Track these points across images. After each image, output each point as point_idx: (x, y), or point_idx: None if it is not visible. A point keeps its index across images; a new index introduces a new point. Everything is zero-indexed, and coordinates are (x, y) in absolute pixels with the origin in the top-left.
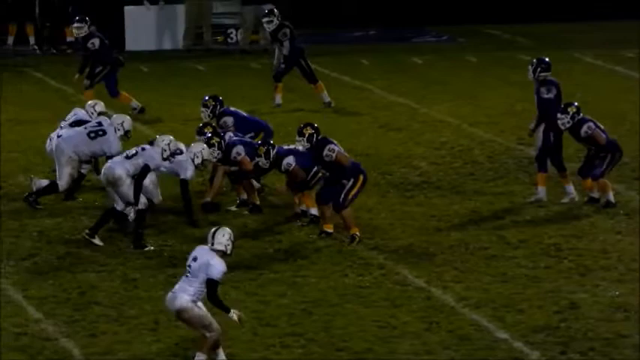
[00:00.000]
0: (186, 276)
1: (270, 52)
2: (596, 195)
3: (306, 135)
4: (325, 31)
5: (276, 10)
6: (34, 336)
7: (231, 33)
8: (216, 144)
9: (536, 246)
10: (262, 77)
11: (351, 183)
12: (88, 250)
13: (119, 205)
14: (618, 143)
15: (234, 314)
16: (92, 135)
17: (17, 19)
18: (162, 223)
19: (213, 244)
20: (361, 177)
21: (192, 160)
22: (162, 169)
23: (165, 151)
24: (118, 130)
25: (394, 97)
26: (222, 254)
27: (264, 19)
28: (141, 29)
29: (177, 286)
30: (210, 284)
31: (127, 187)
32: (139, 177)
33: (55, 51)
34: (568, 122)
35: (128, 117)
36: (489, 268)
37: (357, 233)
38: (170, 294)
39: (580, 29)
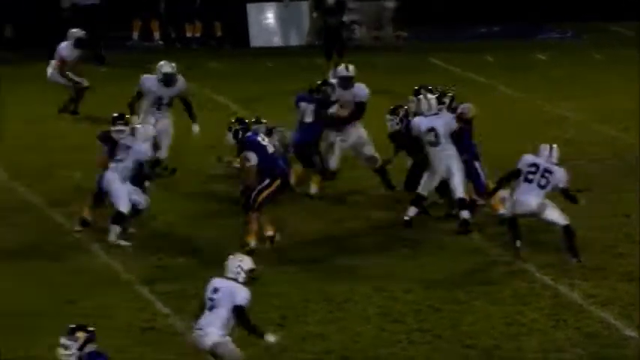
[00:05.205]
0: (210, 309)
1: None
2: None
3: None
4: (450, 27)
5: None
6: (161, 331)
7: (354, 29)
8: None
9: None
10: (384, 73)
11: (266, 183)
12: (212, 247)
13: None
14: None
15: (270, 336)
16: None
17: (142, 15)
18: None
19: (228, 273)
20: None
21: (237, 279)
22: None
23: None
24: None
25: (518, 94)
26: (236, 282)
27: None
28: (264, 26)
29: (202, 322)
30: (240, 312)
31: None
32: None
33: (179, 46)
34: None
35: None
36: (617, 266)
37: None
38: (197, 331)
39: None
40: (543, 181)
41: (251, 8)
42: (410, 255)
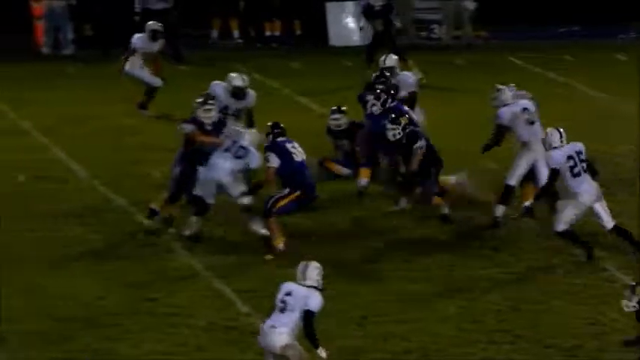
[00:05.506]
0: (282, 311)
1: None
2: None
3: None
4: (530, 27)
5: None
6: (243, 330)
7: (434, 28)
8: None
9: None
10: (464, 71)
11: (285, 192)
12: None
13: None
14: None
15: (322, 352)
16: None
17: (221, 14)
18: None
19: (304, 280)
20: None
21: (317, 287)
22: None
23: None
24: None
25: (596, 93)
26: (315, 289)
27: None
28: (343, 24)
29: (272, 321)
30: (308, 316)
31: None
32: None
33: (259, 45)
34: None
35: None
36: None
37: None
38: (270, 329)
39: None
40: (585, 165)
41: (330, 7)
42: (488, 255)
